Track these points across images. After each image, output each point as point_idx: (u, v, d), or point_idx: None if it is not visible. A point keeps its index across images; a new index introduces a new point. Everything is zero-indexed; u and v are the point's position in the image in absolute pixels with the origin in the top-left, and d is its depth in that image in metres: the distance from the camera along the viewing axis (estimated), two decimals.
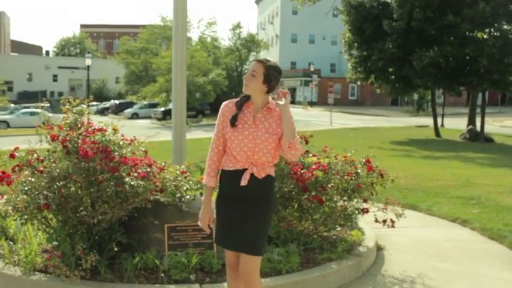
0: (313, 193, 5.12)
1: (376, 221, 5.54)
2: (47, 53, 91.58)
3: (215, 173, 3.29)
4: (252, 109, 3.21)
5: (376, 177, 5.46)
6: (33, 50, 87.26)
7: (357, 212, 5.44)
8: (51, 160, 4.52)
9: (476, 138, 24.57)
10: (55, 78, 75.59)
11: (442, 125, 32.21)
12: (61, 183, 4.35)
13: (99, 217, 4.37)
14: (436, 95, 29.88)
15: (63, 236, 4.43)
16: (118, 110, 51.92)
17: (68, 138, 4.45)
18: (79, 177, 4.32)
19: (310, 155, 5.60)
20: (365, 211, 5.39)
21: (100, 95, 65.46)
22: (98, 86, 71.36)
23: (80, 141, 4.43)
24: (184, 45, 5.84)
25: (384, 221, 5.47)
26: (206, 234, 4.75)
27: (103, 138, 4.47)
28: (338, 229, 5.80)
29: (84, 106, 4.87)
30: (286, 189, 5.16)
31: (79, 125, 4.73)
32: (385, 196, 6.14)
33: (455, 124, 33.51)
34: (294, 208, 5.31)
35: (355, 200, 5.42)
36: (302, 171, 5.11)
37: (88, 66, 41.84)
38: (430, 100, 30.78)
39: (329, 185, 5.12)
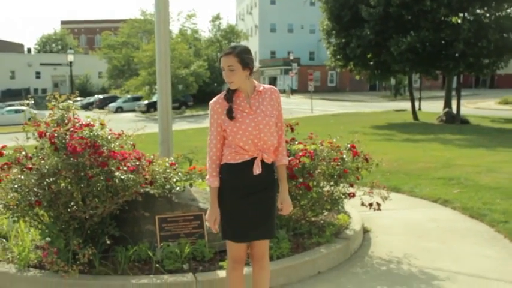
0: (301, 180, 5.12)
1: (363, 204, 5.57)
2: (29, 50, 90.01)
3: (217, 172, 3.17)
4: (243, 97, 3.16)
5: (361, 162, 5.47)
6: (15, 48, 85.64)
7: (343, 196, 5.46)
8: (40, 157, 4.43)
9: (453, 121, 24.83)
10: (38, 75, 74.55)
11: (420, 109, 32.47)
12: (51, 179, 4.27)
13: (91, 212, 4.32)
14: (413, 80, 30.08)
15: (56, 232, 4.37)
16: (102, 104, 51.45)
17: (56, 135, 4.37)
18: (68, 173, 4.24)
19: (296, 142, 5.59)
20: (351, 195, 5.41)
21: (83, 90, 64.77)
22: (81, 82, 70.58)
23: (67, 137, 4.35)
24: (167, 40, 5.76)
25: (370, 204, 5.50)
26: (197, 224, 4.78)
27: (91, 133, 4.39)
28: (325, 214, 5.83)
29: (71, 102, 4.78)
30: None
31: (66, 121, 4.63)
32: (370, 180, 6.17)
33: (432, 107, 33.80)
34: None
35: (342, 185, 5.44)
36: (289, 158, 5.05)
37: (70, 62, 41.29)
38: (408, 85, 30.98)
39: (316, 171, 5.12)
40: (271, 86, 3.27)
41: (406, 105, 33.58)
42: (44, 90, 68.04)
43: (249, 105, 3.14)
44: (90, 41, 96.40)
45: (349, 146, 5.59)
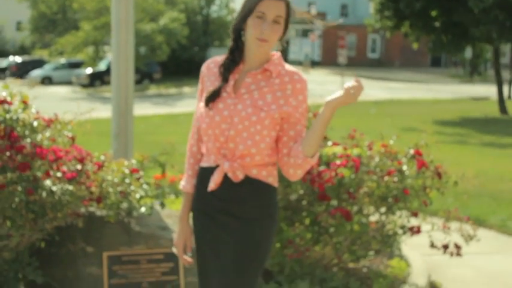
0: (335, 203, 5.07)
1: (433, 245, 5.48)
2: None
3: (194, 171, 3.25)
4: (240, 70, 3.12)
5: (431, 178, 5.39)
6: None
7: (401, 231, 5.42)
8: None
9: None
10: None
11: (510, 97, 32.52)
12: None
13: None
14: (500, 52, 30.10)
15: None
16: (21, 71, 51.64)
17: None
18: None
19: (330, 142, 5.51)
20: (415, 231, 5.36)
21: None
22: None
23: None
24: None
25: (445, 247, 5.42)
26: (169, 267, 4.71)
27: (6, 116, 4.40)
28: (371, 258, 5.79)
29: None
30: (293, 196, 5.10)
31: None
32: (440, 207, 6.08)
33: None
34: (305, 226, 5.24)
35: (399, 214, 5.39)
36: (319, 168, 5.02)
37: None
38: (493, 60, 31.00)
39: (360, 191, 5.07)
40: (296, 72, 3.15)
41: (489, 90, 33.73)
42: None
43: (235, 83, 3.12)
44: None
45: (411, 151, 5.50)
